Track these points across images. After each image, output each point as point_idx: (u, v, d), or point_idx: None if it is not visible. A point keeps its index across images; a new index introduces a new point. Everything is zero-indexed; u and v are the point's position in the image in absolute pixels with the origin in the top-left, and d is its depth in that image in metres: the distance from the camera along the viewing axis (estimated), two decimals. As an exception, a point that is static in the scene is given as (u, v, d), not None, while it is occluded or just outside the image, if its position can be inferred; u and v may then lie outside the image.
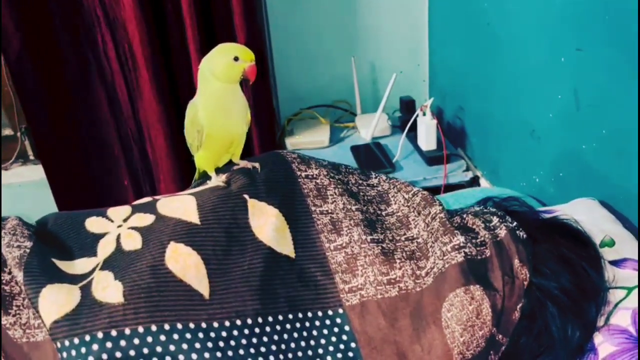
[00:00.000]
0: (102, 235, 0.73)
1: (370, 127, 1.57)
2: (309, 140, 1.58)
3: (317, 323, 0.68)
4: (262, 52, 1.53)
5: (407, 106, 1.58)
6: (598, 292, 0.69)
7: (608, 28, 0.82)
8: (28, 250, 0.69)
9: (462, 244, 0.71)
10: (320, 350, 0.67)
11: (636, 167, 0.79)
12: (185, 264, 0.67)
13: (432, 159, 1.42)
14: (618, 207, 0.85)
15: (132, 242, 0.71)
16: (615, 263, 0.71)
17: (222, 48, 0.78)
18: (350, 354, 0.67)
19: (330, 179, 0.81)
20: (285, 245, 0.73)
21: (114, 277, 0.66)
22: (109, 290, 0.64)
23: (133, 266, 0.67)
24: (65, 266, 0.69)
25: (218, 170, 0.84)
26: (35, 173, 1.67)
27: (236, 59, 0.75)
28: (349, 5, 1.64)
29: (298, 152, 0.86)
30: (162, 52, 1.44)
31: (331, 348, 0.67)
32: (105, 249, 0.71)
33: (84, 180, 1.57)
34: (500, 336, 0.68)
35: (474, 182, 1.39)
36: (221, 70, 0.76)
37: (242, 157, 0.85)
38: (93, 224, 0.76)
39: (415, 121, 1.46)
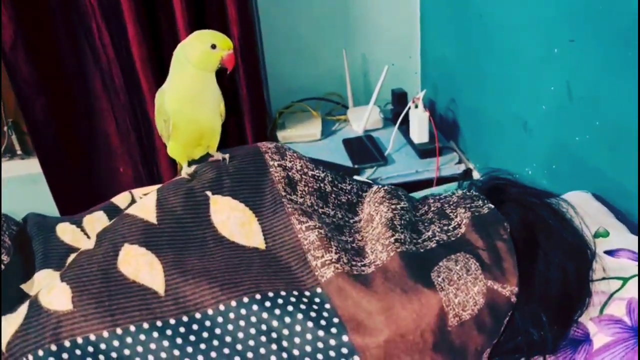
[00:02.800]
0: (74, 250, 0.71)
1: (362, 120, 1.57)
2: (301, 134, 1.57)
3: (292, 300, 0.63)
4: (254, 45, 1.52)
5: (399, 99, 1.58)
6: (583, 298, 0.67)
7: (602, 19, 0.81)
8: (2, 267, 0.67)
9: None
10: (298, 328, 0.61)
11: (629, 159, 0.79)
12: (138, 264, 0.65)
13: (424, 151, 1.41)
14: (611, 199, 0.85)
15: (87, 243, 0.68)
16: (610, 253, 0.70)
17: (199, 35, 0.76)
18: (334, 330, 0.61)
19: (303, 175, 0.78)
20: (252, 238, 0.71)
21: (60, 277, 0.64)
22: (55, 293, 0.62)
23: (83, 267, 0.65)
24: (28, 287, 0.68)
25: (193, 162, 0.82)
26: (22, 168, 1.65)
27: (214, 46, 0.73)
28: (339, -3, 1.63)
29: (277, 143, 0.85)
30: (155, 44, 1.43)
31: (310, 324, 0.61)
32: None
33: (81, 172, 1.56)
34: (498, 286, 0.64)
35: (467, 174, 1.39)
36: (198, 57, 0.74)
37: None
38: (66, 231, 0.74)
39: (407, 114, 1.46)
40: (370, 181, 0.88)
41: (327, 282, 0.65)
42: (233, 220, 0.71)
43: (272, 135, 1.63)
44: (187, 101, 0.76)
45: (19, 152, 1.71)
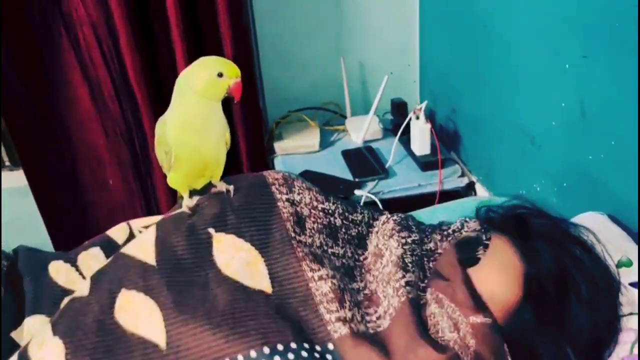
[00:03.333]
0: (68, 293, 0.66)
1: (361, 130, 1.53)
2: (299, 145, 1.53)
3: (304, 354, 0.58)
4: (249, 53, 1.48)
5: (399, 109, 1.55)
6: (613, 336, 0.63)
7: (616, 34, 0.78)
8: None
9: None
10: None
11: (646, 180, 0.76)
12: (136, 313, 0.60)
13: (427, 164, 1.38)
14: (628, 222, 0.82)
15: (81, 287, 0.64)
16: (635, 285, 0.67)
17: (205, 62, 0.70)
18: None
19: (312, 210, 0.73)
20: (259, 280, 0.65)
21: (52, 330, 0.59)
22: (46, 349, 0.57)
23: (78, 320, 0.60)
24: (18, 335, 0.63)
25: (195, 193, 0.77)
26: (10, 180, 1.59)
27: (220, 74, 0.68)
28: (337, 4, 1.59)
29: (284, 173, 0.80)
30: (148, 52, 1.38)
31: None
32: None
33: (68, 185, 1.52)
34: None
35: (469, 187, 1.36)
36: (203, 86, 0.68)
37: (227, 168, 0.78)
38: (60, 271, 0.68)
39: (407, 124, 1.43)
40: (380, 209, 0.84)
41: (341, 340, 0.61)
42: (238, 260, 0.66)
43: (269, 146, 1.59)
44: (191, 132, 0.71)
45: (7, 163, 1.66)
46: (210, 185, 0.78)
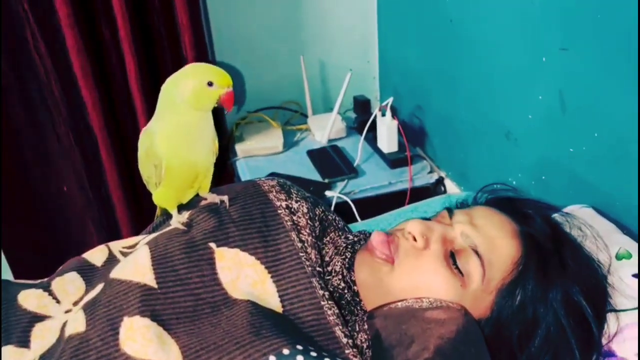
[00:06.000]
0: (40, 318, 0.59)
1: (325, 129, 1.49)
2: (262, 146, 1.47)
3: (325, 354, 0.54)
4: (204, 51, 1.41)
5: (363, 106, 1.52)
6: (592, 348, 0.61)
7: (597, 25, 0.78)
8: None
9: None
10: None
11: (629, 172, 0.76)
12: (144, 338, 0.54)
13: (395, 161, 1.36)
14: (613, 215, 0.82)
15: (74, 323, 0.56)
16: (637, 276, 0.67)
17: (193, 69, 0.65)
18: None
19: (308, 221, 0.69)
20: (267, 301, 0.60)
21: None
22: None
23: (79, 359, 0.53)
24: None
25: (181, 207, 0.72)
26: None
27: (210, 83, 0.63)
28: (295, 0, 1.55)
29: (278, 179, 0.75)
30: (96, 52, 1.29)
31: None
32: (44, 339, 0.57)
33: (22, 194, 1.40)
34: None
35: (439, 183, 1.35)
36: (192, 95, 0.63)
37: None
38: (28, 297, 0.60)
39: (373, 122, 1.40)
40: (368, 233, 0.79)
41: None
42: (243, 279, 0.61)
43: (231, 149, 1.52)
44: (182, 142, 0.65)
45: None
46: (197, 198, 0.72)
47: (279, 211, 0.67)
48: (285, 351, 0.52)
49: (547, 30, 0.88)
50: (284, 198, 0.69)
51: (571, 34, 0.84)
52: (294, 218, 0.68)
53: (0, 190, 1.37)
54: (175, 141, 0.65)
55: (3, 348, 0.55)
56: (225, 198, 0.68)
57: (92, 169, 1.40)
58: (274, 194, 0.70)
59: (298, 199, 0.70)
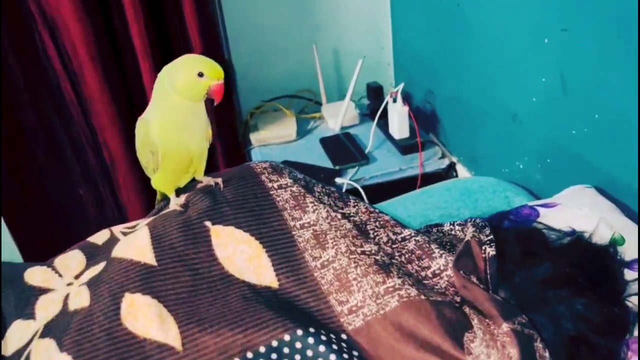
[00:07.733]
0: (44, 291, 0.63)
1: (338, 117, 1.50)
2: (276, 135, 1.50)
3: (324, 338, 0.57)
4: (217, 41, 1.43)
5: (375, 93, 1.52)
6: (625, 327, 0.61)
7: (597, 6, 0.77)
8: None
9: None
10: None
11: (631, 152, 0.75)
12: (146, 317, 0.58)
13: (406, 147, 1.36)
14: (614, 194, 0.82)
15: (79, 298, 0.60)
16: (628, 265, 0.66)
17: (186, 60, 0.67)
18: None
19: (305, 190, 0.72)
20: (263, 275, 0.64)
21: (58, 347, 0.56)
22: None
23: (83, 331, 0.56)
24: (4, 347, 0.59)
25: (179, 191, 0.75)
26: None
27: (200, 74, 0.65)
28: (306, -11, 1.56)
29: (270, 162, 0.78)
30: (109, 50, 1.32)
31: None
32: (47, 309, 0.61)
33: (35, 194, 1.45)
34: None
35: (450, 168, 1.35)
36: (182, 85, 0.65)
37: (206, 165, 0.76)
38: (34, 274, 0.65)
39: (384, 108, 1.40)
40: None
41: (356, 332, 0.59)
42: (239, 255, 0.64)
43: (245, 138, 1.55)
44: (176, 130, 0.69)
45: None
46: (194, 182, 0.75)
47: (272, 192, 0.70)
48: (274, 342, 0.56)
49: (549, 11, 0.88)
50: (276, 179, 0.72)
51: (570, 15, 0.83)
52: (292, 190, 0.71)
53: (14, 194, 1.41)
54: (168, 128, 0.68)
55: (15, 323, 0.60)
56: (220, 180, 0.71)
57: (105, 169, 1.44)
58: (266, 175, 0.72)
59: (290, 177, 0.73)
